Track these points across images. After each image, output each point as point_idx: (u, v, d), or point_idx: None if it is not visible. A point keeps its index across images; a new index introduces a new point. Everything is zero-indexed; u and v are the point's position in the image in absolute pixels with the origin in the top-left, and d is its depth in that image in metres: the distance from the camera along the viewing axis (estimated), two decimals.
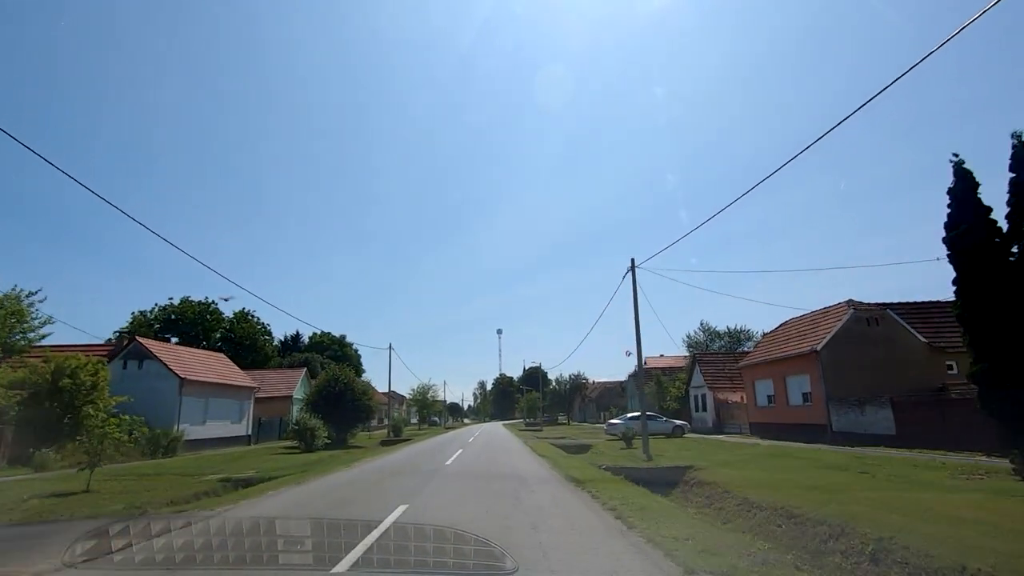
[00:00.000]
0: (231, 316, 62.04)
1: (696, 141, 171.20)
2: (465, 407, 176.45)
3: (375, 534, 5.27)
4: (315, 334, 76.76)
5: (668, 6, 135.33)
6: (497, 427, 71.75)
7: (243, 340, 58.17)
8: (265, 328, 63.92)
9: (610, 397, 70.34)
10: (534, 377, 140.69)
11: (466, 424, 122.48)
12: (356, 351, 78.51)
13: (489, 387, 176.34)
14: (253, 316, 62.84)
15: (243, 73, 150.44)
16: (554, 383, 71.74)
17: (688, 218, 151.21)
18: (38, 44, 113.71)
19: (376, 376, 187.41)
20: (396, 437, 41.76)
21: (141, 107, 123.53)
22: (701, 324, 44.28)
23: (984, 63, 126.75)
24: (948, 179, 14.48)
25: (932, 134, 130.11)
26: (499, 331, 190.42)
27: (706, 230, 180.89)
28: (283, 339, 73.18)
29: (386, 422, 60.92)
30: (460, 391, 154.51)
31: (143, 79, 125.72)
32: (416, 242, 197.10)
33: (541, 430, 53.58)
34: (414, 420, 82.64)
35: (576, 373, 70.96)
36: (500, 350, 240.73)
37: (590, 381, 74.27)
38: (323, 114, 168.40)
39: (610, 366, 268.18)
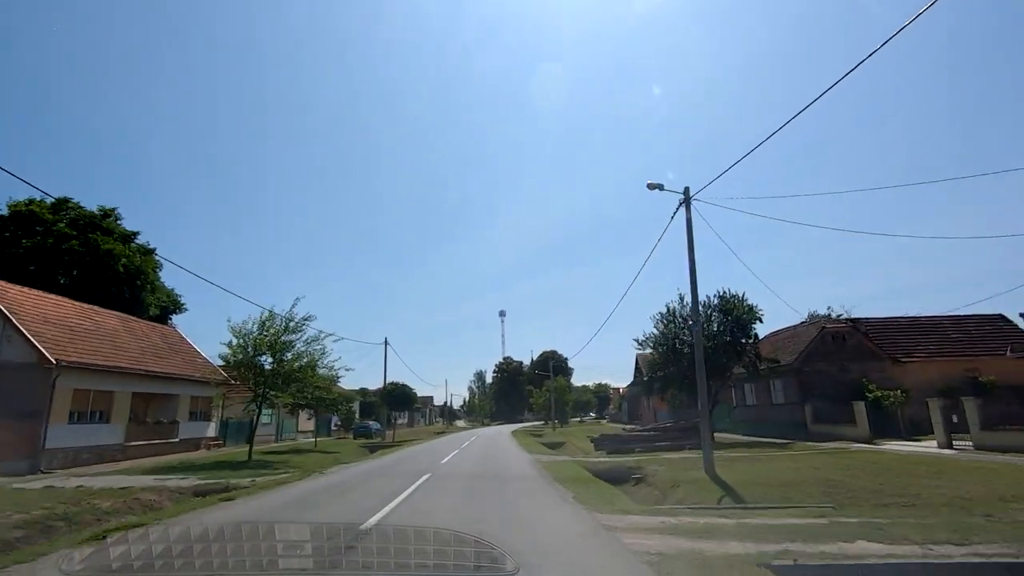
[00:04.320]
0: None
1: (692, 137, 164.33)
2: (459, 403, 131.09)
3: None
4: (21, 202, 29.46)
5: (663, 4, 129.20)
6: (505, 446, 25.30)
7: None
8: None
9: (846, 358, 23.33)
10: (550, 363, 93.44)
11: (459, 428, 76.24)
12: (147, 250, 31.13)
13: (490, 378, 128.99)
14: None
15: (241, 74, 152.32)
16: (660, 320, 24.65)
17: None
18: (36, 43, 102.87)
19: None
20: None
21: (137, 108, 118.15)
22: None
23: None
24: None
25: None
26: (502, 313, 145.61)
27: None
28: None
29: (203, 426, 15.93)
30: (442, 381, 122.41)
31: (139, 79, 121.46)
32: (413, 242, 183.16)
33: None
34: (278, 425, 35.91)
35: (724, 291, 24.27)
36: (504, 336, 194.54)
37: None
38: (320, 115, 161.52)
39: None
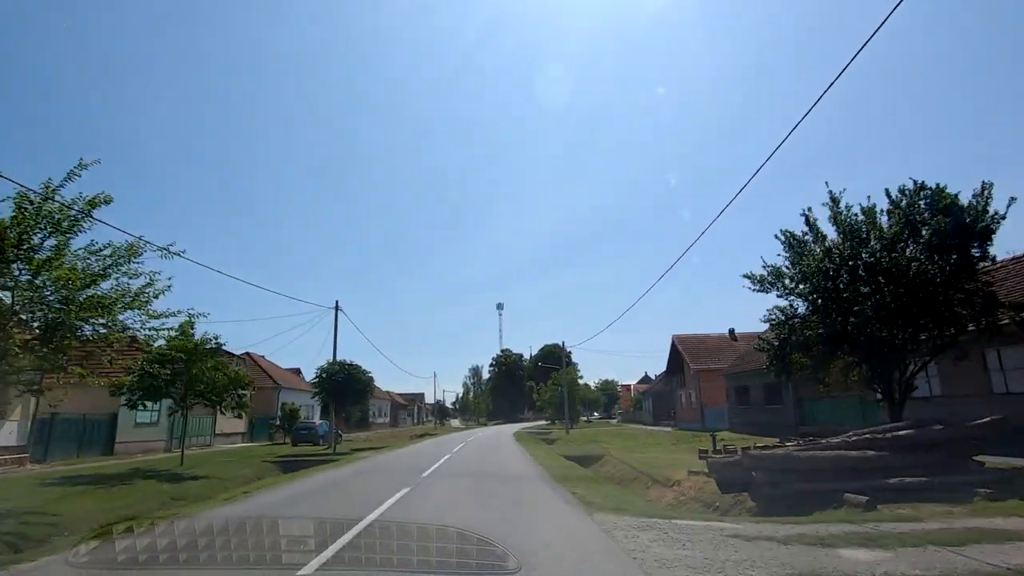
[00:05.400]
0: None
1: (696, 139, 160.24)
2: (452, 399, 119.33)
3: None
4: None
5: (665, 5, 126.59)
6: (515, 472, 13.12)
7: None
8: None
9: None
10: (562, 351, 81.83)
11: (452, 428, 64.37)
12: None
13: (486, 374, 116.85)
14: None
15: (241, 74, 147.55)
16: (792, 243, 13.14)
17: (691, 217, 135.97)
18: (37, 39, 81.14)
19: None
20: None
21: (134, 103, 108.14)
22: None
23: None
24: None
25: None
26: (499, 306, 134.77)
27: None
28: None
29: None
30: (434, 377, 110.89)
31: (139, 79, 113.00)
32: (413, 242, 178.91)
33: None
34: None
35: (918, 184, 12.78)
36: (501, 330, 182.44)
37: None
38: (320, 114, 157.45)
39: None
